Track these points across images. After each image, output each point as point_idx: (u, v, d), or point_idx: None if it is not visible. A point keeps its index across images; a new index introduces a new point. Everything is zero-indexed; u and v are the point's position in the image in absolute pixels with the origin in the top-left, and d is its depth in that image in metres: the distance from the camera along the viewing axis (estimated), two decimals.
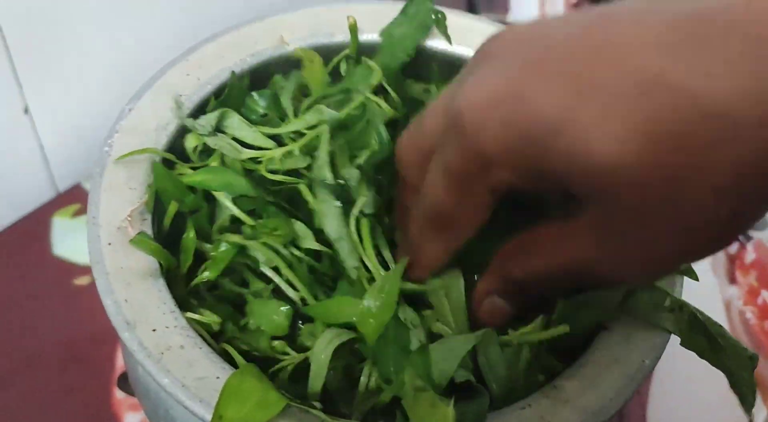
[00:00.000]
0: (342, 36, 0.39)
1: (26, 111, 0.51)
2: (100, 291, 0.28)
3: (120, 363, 0.48)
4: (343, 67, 0.39)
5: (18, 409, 0.45)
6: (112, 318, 0.27)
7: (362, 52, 0.39)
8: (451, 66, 0.39)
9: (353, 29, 0.38)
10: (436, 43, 0.39)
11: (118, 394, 0.47)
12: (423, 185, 0.27)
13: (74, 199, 0.56)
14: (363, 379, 0.29)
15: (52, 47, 0.50)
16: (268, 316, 0.30)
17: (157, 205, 0.32)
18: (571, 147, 0.21)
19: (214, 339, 0.30)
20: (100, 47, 0.53)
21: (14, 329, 0.49)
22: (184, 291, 0.31)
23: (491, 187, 0.24)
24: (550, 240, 0.25)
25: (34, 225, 0.54)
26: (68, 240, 0.53)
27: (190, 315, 0.29)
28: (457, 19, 0.39)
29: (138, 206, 0.31)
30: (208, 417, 0.25)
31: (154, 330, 0.27)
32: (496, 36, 0.25)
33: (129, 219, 0.30)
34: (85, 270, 0.52)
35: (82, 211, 0.55)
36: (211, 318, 0.30)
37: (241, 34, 0.37)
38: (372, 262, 0.30)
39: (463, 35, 0.39)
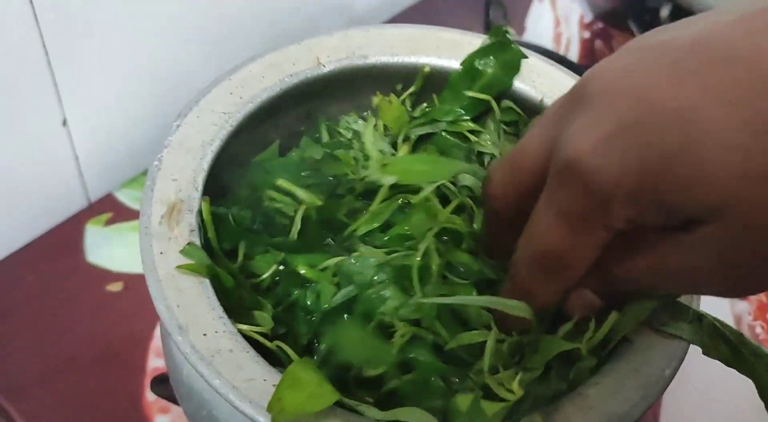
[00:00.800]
0: (375, 58, 0.41)
1: (65, 123, 0.53)
2: (153, 298, 0.30)
3: (151, 366, 0.50)
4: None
5: (55, 408, 0.47)
6: (166, 322, 0.29)
7: (402, 72, 0.41)
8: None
9: (425, 75, 0.41)
10: None
11: (149, 396, 0.49)
12: (530, 226, 0.27)
13: (106, 207, 0.58)
14: None
15: (90, 59, 0.52)
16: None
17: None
18: (697, 168, 0.21)
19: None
20: (133, 59, 0.55)
21: (50, 333, 0.51)
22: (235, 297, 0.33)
23: (610, 226, 0.24)
24: (663, 245, 0.25)
25: (68, 233, 0.56)
26: (101, 247, 0.55)
27: (241, 326, 0.30)
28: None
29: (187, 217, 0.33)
30: (258, 416, 0.27)
31: (204, 335, 0.29)
32: (591, 75, 0.25)
33: (176, 228, 0.32)
34: (118, 276, 0.54)
35: (114, 220, 0.57)
36: (264, 323, 0.32)
37: (281, 56, 0.39)
38: None
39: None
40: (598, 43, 0.81)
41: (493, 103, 0.39)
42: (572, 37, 0.81)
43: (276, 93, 0.38)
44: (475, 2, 0.80)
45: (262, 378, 0.28)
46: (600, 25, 0.83)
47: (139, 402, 0.49)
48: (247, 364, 0.28)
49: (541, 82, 0.40)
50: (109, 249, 0.55)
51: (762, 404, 0.29)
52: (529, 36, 0.80)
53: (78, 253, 0.55)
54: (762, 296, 0.60)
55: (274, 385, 0.28)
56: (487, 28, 0.75)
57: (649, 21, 0.83)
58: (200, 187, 0.34)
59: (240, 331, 0.30)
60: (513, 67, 0.40)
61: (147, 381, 0.49)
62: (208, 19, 0.58)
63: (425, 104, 0.41)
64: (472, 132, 0.39)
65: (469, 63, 0.39)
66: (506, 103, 0.39)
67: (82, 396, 0.48)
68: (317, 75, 0.40)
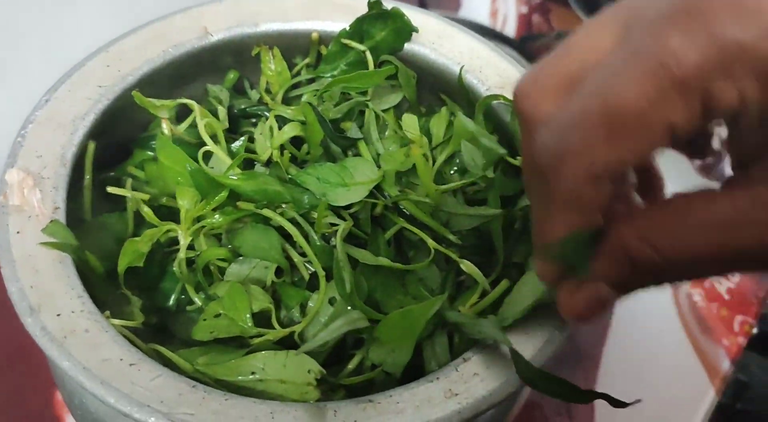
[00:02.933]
0: (266, 26, 0.39)
1: None
2: (5, 279, 0.28)
3: None
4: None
5: None
6: (16, 305, 0.27)
7: (295, 38, 0.39)
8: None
9: (315, 43, 0.39)
10: None
11: (60, 395, 0.47)
12: (602, 83, 0.21)
13: None
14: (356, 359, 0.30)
15: None
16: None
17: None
18: None
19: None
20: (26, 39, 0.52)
21: None
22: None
23: (709, 99, 0.20)
24: (727, 207, 0.21)
25: None
26: None
27: (115, 321, 0.29)
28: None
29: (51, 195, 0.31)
30: (108, 398, 0.25)
31: (58, 315, 0.27)
32: None
33: (40, 208, 0.30)
34: None
35: None
36: (136, 316, 0.30)
37: (164, 26, 0.37)
38: None
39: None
40: (536, 18, 0.80)
41: (367, 54, 0.37)
42: (509, 12, 0.80)
43: (158, 65, 0.36)
44: None
45: (119, 357, 0.26)
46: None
47: (51, 402, 0.47)
48: (105, 344, 0.27)
49: (441, 43, 0.39)
50: None
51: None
52: (465, 12, 0.79)
53: None
54: None
55: (131, 364, 0.26)
56: (421, 2, 0.73)
57: None
58: (69, 164, 0.32)
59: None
60: (403, 34, 0.38)
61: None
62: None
63: (307, 60, 0.40)
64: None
65: (357, 24, 0.38)
66: (386, 57, 0.38)
67: None
68: (204, 45, 0.38)
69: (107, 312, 0.28)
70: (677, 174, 0.65)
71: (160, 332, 0.32)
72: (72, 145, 0.33)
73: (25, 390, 0.47)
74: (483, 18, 0.79)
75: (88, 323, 0.27)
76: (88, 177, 0.34)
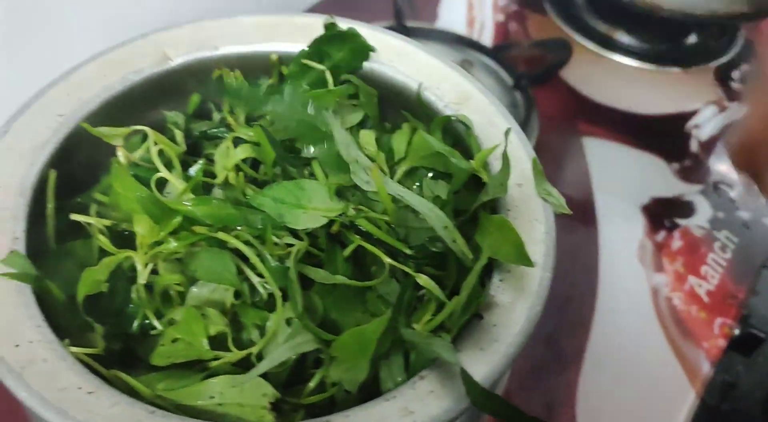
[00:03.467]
0: (225, 49, 0.39)
1: None
2: None
3: None
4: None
5: None
6: None
7: (255, 60, 0.40)
8: None
9: (275, 64, 0.39)
10: None
11: None
12: None
13: None
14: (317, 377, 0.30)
15: None
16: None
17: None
18: None
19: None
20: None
21: None
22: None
23: None
24: None
25: None
26: None
27: (75, 349, 0.29)
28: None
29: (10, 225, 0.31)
30: None
31: (17, 346, 0.27)
32: None
33: None
34: None
35: None
36: (97, 343, 0.30)
37: (124, 52, 0.38)
38: None
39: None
40: (513, 26, 0.80)
41: (327, 74, 0.38)
42: (486, 21, 0.80)
43: (118, 91, 0.37)
44: None
45: (77, 386, 0.27)
46: (514, 7, 0.83)
47: None
48: (62, 373, 0.27)
49: (401, 61, 0.39)
50: None
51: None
52: (442, 22, 0.79)
53: None
54: (679, 267, 0.59)
55: (89, 392, 0.26)
56: (396, 15, 0.74)
57: (565, 2, 0.83)
58: (28, 193, 0.32)
59: (73, 354, 0.28)
60: (361, 54, 0.39)
61: None
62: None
63: (270, 80, 0.40)
64: None
65: (316, 45, 0.38)
66: (347, 76, 0.38)
67: None
68: (165, 70, 0.38)
69: (66, 341, 0.29)
70: (656, 178, 0.66)
71: (127, 356, 0.33)
72: (31, 175, 0.33)
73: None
74: (460, 27, 0.79)
75: (46, 352, 0.27)
76: (50, 205, 0.34)
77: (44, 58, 0.53)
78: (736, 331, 0.56)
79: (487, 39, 0.78)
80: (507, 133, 0.34)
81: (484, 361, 0.28)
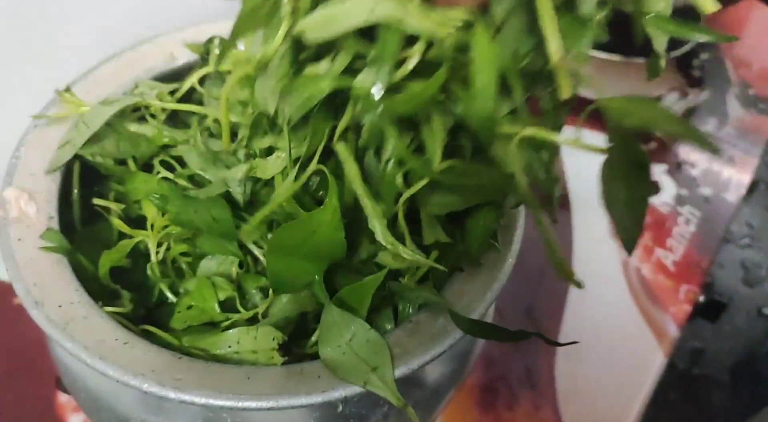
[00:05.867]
0: None
1: None
2: (12, 280, 0.32)
3: None
4: None
5: None
6: (23, 300, 0.31)
7: None
8: None
9: None
10: None
11: (62, 398, 0.51)
12: None
13: None
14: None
15: None
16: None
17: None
18: None
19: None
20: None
21: None
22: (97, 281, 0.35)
23: None
24: None
25: None
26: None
27: (108, 309, 0.33)
28: None
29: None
30: (108, 371, 0.29)
31: (60, 306, 0.31)
32: None
33: (36, 218, 0.35)
34: None
35: None
36: (126, 305, 0.34)
37: (135, 54, 0.42)
38: None
39: None
40: None
41: None
42: None
43: (131, 89, 0.41)
44: None
45: (114, 338, 0.31)
46: None
47: (53, 404, 0.51)
48: (100, 328, 0.31)
49: None
50: None
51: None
52: None
53: None
54: (647, 240, 0.64)
55: (125, 343, 0.31)
56: None
57: None
58: (58, 180, 0.36)
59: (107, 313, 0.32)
60: None
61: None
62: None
63: None
64: None
65: None
66: None
67: None
68: (171, 68, 0.42)
69: (100, 302, 0.33)
70: None
71: (148, 320, 0.37)
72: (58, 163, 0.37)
73: (28, 396, 0.51)
74: None
75: (85, 311, 0.32)
76: (75, 191, 0.38)
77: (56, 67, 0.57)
78: (701, 298, 0.61)
79: None
80: None
81: (465, 298, 0.33)
